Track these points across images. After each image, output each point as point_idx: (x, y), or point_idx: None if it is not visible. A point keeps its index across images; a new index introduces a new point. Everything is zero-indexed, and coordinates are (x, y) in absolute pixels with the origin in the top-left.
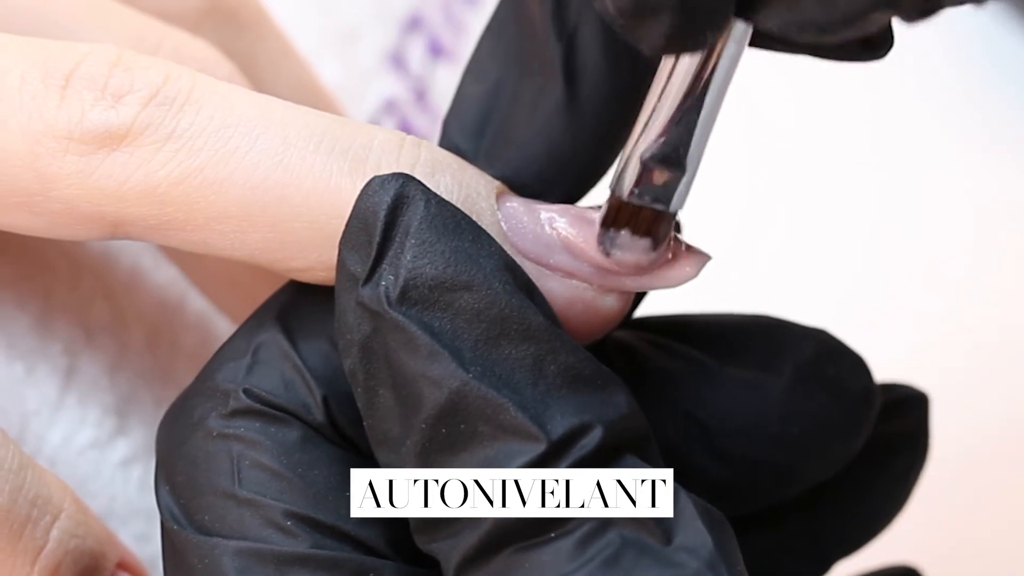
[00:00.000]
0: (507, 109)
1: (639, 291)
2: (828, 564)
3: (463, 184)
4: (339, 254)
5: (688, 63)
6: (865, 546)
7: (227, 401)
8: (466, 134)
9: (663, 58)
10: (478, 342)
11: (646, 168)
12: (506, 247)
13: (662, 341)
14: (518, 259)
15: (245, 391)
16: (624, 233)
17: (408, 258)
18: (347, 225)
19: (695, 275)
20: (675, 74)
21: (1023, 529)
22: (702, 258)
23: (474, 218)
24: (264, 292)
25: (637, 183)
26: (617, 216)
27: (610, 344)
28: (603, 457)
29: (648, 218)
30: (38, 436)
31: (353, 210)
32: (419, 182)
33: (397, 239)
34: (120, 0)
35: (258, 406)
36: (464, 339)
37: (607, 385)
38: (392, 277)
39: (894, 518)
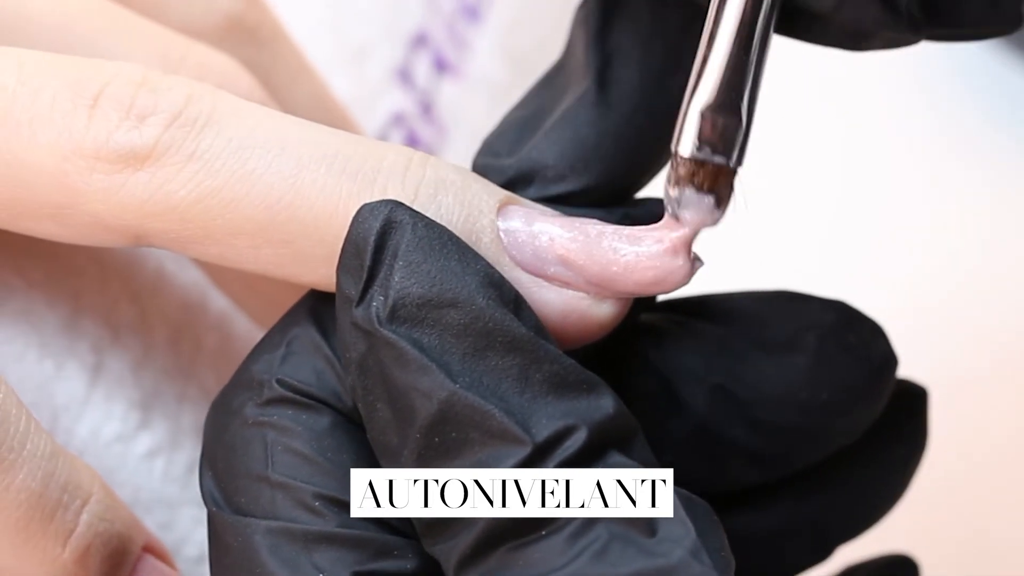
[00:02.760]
0: (542, 119)
1: (638, 296)
2: (830, 549)
3: (465, 203)
4: (336, 278)
5: (732, 6)
6: (865, 532)
7: (262, 391)
8: (503, 141)
9: (710, 3)
10: (465, 355)
11: (704, 120)
12: (505, 260)
13: (687, 320)
14: (517, 270)
15: (279, 381)
16: (689, 191)
17: (396, 279)
18: (342, 250)
19: (688, 282)
20: (721, 22)
21: (1017, 519)
22: (696, 264)
23: (475, 235)
24: (281, 294)
25: (696, 137)
26: (680, 174)
27: (638, 327)
28: (588, 456)
29: (711, 173)
30: (67, 430)
31: (347, 236)
32: (407, 207)
33: (386, 262)
34: (147, 16)
35: (291, 395)
36: (452, 353)
37: (593, 389)
38: (382, 298)
39: (893, 506)
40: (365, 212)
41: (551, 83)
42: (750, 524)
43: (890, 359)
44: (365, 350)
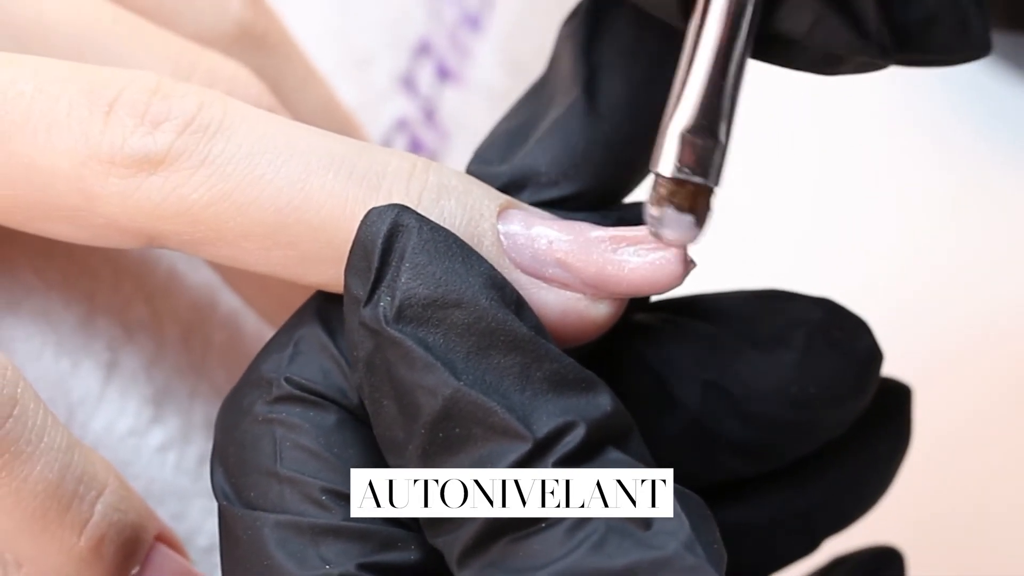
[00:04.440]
0: (530, 129)
1: (633, 297)
2: (818, 542)
3: (467, 207)
4: (344, 279)
5: (709, 32)
6: (852, 524)
7: (271, 389)
8: (494, 150)
9: (688, 29)
10: (469, 354)
11: (683, 142)
12: (505, 262)
13: (680, 319)
14: (516, 272)
15: (287, 379)
16: (669, 211)
17: (403, 280)
18: (350, 252)
19: (682, 282)
20: (699, 47)
21: (1002, 510)
22: (689, 265)
23: (476, 238)
24: (292, 294)
25: (676, 158)
26: (660, 194)
27: (632, 326)
28: (586, 453)
29: (690, 193)
30: (82, 425)
31: (355, 239)
32: (413, 211)
33: (393, 263)
34: (159, 25)
35: (299, 393)
36: (456, 351)
37: (591, 387)
38: (389, 298)
39: (879, 499)
40: (373, 215)
41: (537, 95)
42: (740, 517)
43: (875, 353)
44: (372, 349)
